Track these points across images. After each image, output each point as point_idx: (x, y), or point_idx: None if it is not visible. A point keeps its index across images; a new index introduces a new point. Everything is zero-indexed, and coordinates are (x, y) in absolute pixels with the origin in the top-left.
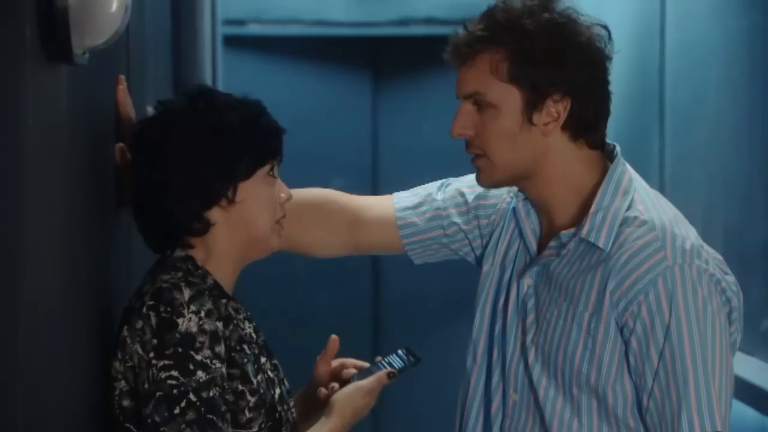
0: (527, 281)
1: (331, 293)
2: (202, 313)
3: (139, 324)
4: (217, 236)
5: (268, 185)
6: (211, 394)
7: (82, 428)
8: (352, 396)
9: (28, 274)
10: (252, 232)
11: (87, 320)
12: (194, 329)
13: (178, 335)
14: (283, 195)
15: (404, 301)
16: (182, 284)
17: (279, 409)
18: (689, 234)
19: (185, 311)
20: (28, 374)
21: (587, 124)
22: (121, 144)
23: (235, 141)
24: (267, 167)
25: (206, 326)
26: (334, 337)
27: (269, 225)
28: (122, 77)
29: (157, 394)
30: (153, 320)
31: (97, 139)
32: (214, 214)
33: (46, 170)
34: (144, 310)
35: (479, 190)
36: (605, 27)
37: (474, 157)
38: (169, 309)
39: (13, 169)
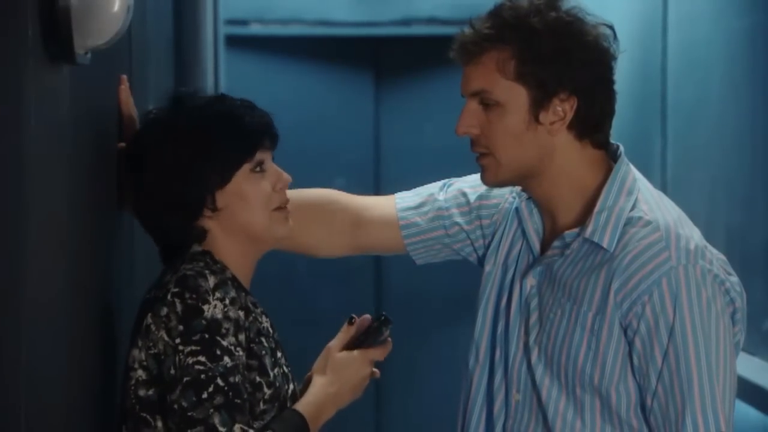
0: (530, 281)
1: (332, 293)
2: (227, 301)
3: (164, 311)
4: (217, 240)
5: (253, 182)
6: (236, 379)
7: (84, 421)
8: (323, 359)
9: (31, 272)
10: (248, 232)
11: (88, 317)
12: (219, 315)
13: (204, 321)
14: (279, 183)
15: (406, 302)
16: (206, 272)
17: (290, 404)
18: (693, 234)
19: (210, 298)
20: (30, 369)
21: (593, 124)
22: (123, 144)
23: (202, 151)
24: (247, 167)
25: (231, 313)
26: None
27: (265, 218)
28: (124, 77)
29: (185, 379)
30: (178, 307)
31: (100, 139)
32: (205, 223)
33: (48, 170)
34: (169, 297)
35: (481, 190)
36: (611, 26)
37: (479, 156)
38: (194, 296)
39: (15, 169)
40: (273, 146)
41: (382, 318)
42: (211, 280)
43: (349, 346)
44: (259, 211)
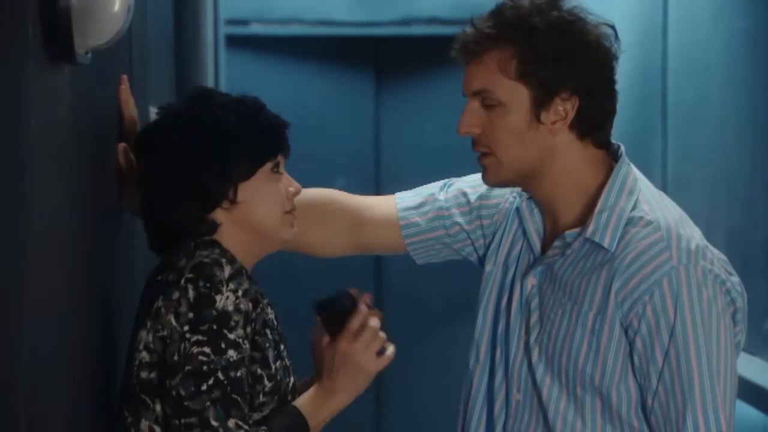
0: (531, 281)
1: (333, 293)
2: (240, 292)
3: (176, 295)
4: (224, 235)
5: (272, 182)
6: (238, 374)
7: (84, 421)
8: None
9: (31, 272)
10: (259, 230)
11: (89, 318)
12: (230, 308)
13: (214, 312)
14: (291, 189)
15: (406, 302)
16: (223, 261)
17: (290, 398)
18: (694, 234)
19: (224, 288)
20: (30, 369)
21: (594, 123)
22: (123, 144)
23: (232, 143)
24: (269, 165)
25: (242, 306)
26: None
27: (277, 220)
28: (125, 77)
29: (187, 368)
30: (191, 294)
31: (100, 139)
32: (219, 216)
33: (49, 170)
34: (182, 282)
35: (482, 189)
36: (612, 26)
37: (480, 156)
38: (208, 285)
39: (15, 169)
40: (287, 154)
41: (334, 297)
42: (227, 270)
43: (330, 332)
44: (273, 210)
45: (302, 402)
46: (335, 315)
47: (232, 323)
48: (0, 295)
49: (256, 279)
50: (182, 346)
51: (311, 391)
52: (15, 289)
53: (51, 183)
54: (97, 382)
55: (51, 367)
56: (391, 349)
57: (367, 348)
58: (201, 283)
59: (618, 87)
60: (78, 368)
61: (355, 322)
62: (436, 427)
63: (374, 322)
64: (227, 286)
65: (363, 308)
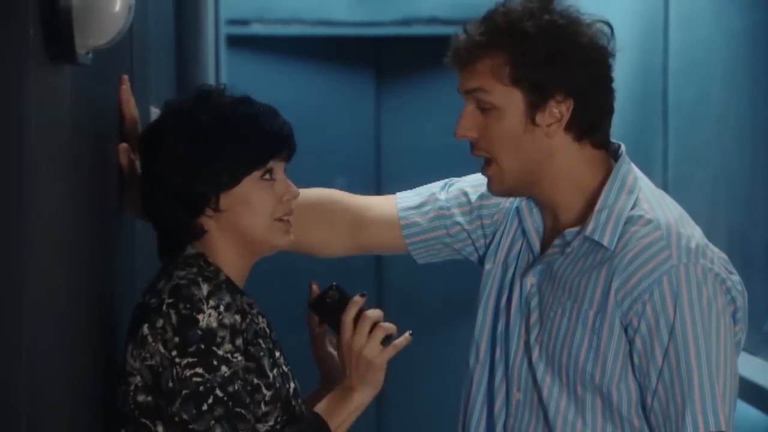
0: (530, 279)
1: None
2: (221, 308)
3: (160, 322)
4: (213, 241)
5: (261, 190)
6: (236, 387)
7: (84, 421)
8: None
9: (31, 272)
10: (247, 237)
11: (89, 318)
12: (215, 324)
13: (199, 332)
14: (287, 195)
15: (406, 302)
16: (200, 279)
17: (294, 403)
18: (694, 233)
19: (204, 307)
20: (30, 369)
21: (591, 124)
22: (124, 144)
23: (216, 150)
24: (257, 173)
25: (226, 320)
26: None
27: (265, 227)
28: (125, 77)
29: (183, 392)
30: (173, 318)
31: (101, 139)
32: (204, 222)
33: (49, 170)
34: (164, 308)
35: (483, 189)
36: (607, 23)
37: (484, 165)
38: (188, 306)
39: (16, 169)
40: (288, 157)
41: (321, 293)
42: (205, 288)
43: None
44: (260, 219)
45: (322, 405)
46: (331, 311)
47: (219, 339)
48: (0, 295)
49: (255, 279)
50: (174, 371)
51: (332, 393)
52: (15, 289)
53: (51, 183)
54: (97, 382)
55: (51, 367)
56: (403, 336)
57: (371, 339)
58: (181, 306)
59: (618, 87)
60: (78, 368)
61: (348, 314)
62: (436, 426)
63: (373, 312)
64: (207, 303)
65: (356, 298)
